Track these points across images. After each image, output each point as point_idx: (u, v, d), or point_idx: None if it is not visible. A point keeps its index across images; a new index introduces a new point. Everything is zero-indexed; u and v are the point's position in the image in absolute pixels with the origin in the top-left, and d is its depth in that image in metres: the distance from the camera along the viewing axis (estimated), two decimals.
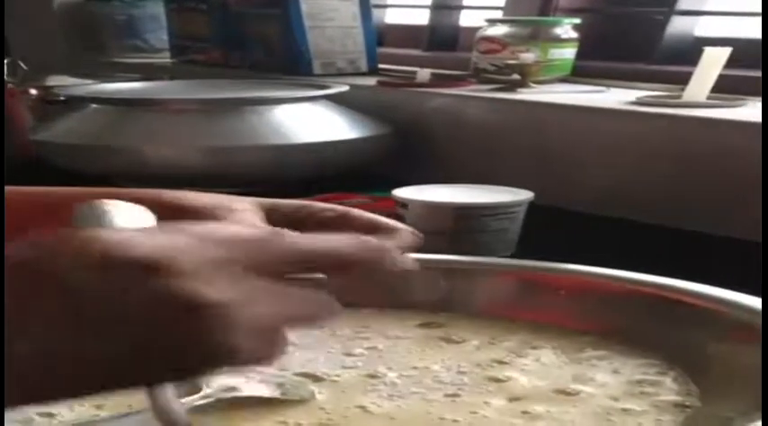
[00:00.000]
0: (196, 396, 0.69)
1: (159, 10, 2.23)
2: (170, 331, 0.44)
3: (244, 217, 0.73)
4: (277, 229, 0.53)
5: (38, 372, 0.43)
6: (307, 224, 0.73)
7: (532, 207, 1.16)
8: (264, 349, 0.47)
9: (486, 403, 0.70)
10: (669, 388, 0.73)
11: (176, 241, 0.46)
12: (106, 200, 0.58)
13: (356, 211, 0.75)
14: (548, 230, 1.20)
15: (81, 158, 1.51)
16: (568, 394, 0.72)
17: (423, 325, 0.85)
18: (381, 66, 1.89)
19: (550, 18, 1.72)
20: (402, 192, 1.17)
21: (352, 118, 1.55)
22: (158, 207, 0.62)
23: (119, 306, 0.43)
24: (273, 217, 0.74)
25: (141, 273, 0.44)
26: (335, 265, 0.51)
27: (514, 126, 1.46)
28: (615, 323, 0.83)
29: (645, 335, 0.80)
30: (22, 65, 1.91)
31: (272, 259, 0.48)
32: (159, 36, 2.26)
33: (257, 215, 0.74)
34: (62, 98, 1.63)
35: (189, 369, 0.46)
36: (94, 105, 1.58)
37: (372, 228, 0.72)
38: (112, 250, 0.44)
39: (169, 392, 0.49)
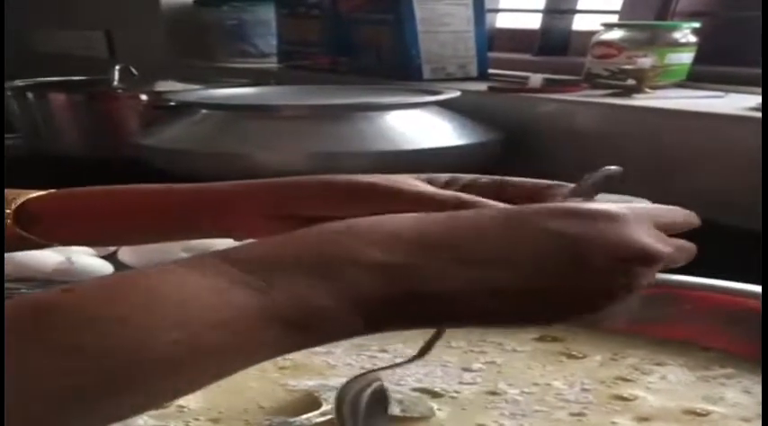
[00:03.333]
0: (316, 413, 0.68)
1: (269, 15, 2.23)
2: (623, 274, 0.55)
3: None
4: None
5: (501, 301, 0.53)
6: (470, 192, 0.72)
7: None
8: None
9: (613, 423, 0.68)
10: None
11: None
12: None
13: (515, 179, 0.75)
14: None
15: (189, 164, 1.51)
16: (698, 414, 0.70)
17: (539, 339, 0.83)
18: (491, 71, 1.86)
19: (670, 22, 1.68)
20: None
21: (463, 123, 1.53)
22: (374, 194, 0.69)
23: (593, 247, 0.54)
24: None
25: (608, 220, 0.55)
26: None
27: (630, 132, 1.43)
28: (739, 339, 0.80)
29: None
30: (133, 70, 1.92)
31: (666, 221, 0.61)
32: (268, 41, 2.26)
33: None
34: (171, 103, 1.62)
35: (599, 309, 0.56)
36: (204, 111, 1.58)
37: (536, 192, 0.73)
38: (581, 206, 0.56)
39: None
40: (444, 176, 0.74)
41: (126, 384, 0.44)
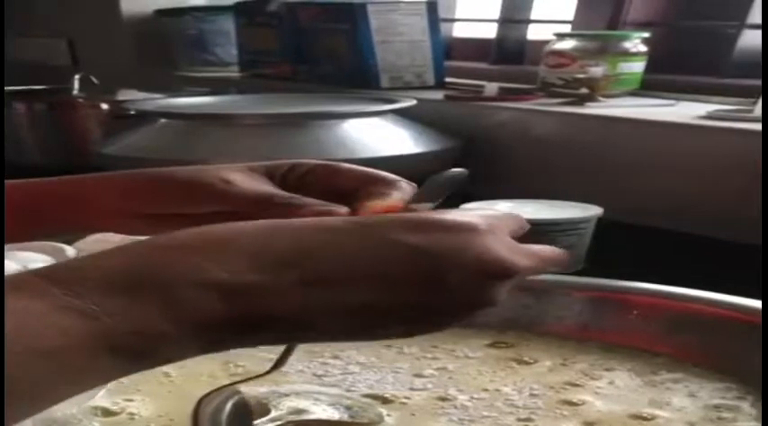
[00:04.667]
0: (265, 419, 0.68)
1: (229, 25, 2.24)
2: (479, 290, 0.53)
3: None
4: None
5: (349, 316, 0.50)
6: (305, 181, 0.71)
7: (600, 222, 1.15)
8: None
9: None
10: (747, 414, 0.71)
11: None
12: None
13: (349, 166, 0.71)
14: (616, 246, 1.18)
15: None
16: (644, 419, 0.71)
17: (492, 345, 0.84)
18: (448, 79, 1.88)
19: (619, 32, 1.70)
20: (470, 207, 1.16)
21: (420, 132, 1.54)
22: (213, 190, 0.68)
23: (449, 263, 0.51)
24: (276, 180, 0.71)
25: (467, 234, 0.52)
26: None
27: (583, 140, 1.45)
28: (688, 345, 0.82)
29: (721, 357, 0.79)
30: (93, 79, 1.92)
31: (518, 230, 0.58)
32: (228, 50, 2.27)
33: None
34: (132, 112, 1.63)
35: (452, 323, 0.54)
36: (163, 120, 1.58)
37: (369, 181, 0.69)
38: (438, 217, 0.53)
39: None
40: (287, 163, 0.72)
41: None
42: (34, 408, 0.45)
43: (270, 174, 0.70)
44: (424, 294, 0.51)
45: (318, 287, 0.49)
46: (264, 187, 0.69)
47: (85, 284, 0.46)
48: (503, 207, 1.18)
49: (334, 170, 0.70)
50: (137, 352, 0.46)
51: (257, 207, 0.67)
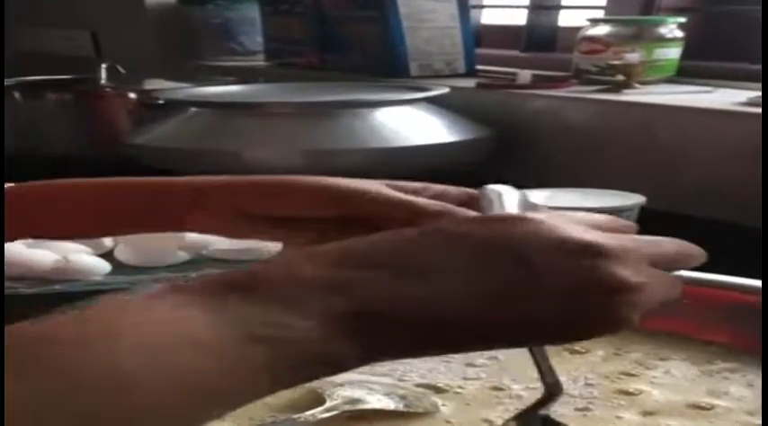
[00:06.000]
0: (320, 408, 0.67)
1: (254, 13, 2.22)
2: (595, 305, 0.51)
3: None
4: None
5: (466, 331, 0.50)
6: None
7: (642, 211, 1.13)
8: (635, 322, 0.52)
9: (618, 417, 0.68)
10: None
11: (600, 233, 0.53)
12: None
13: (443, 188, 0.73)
14: (658, 235, 1.16)
15: (178, 162, 1.50)
16: (703, 408, 0.70)
17: None
18: (478, 67, 1.86)
19: (655, 17, 1.69)
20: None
21: (452, 120, 1.53)
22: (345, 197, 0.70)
23: (568, 281, 0.50)
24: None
25: (589, 257, 0.51)
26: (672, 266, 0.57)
27: (620, 128, 1.43)
28: (740, 334, 0.80)
29: None
30: (120, 69, 1.91)
31: (657, 252, 0.55)
32: (254, 39, 2.25)
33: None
34: (160, 102, 1.62)
35: (585, 337, 0.53)
36: (193, 109, 1.57)
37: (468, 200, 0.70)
38: (566, 235, 0.51)
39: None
40: (414, 185, 0.73)
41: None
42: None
43: (399, 190, 0.71)
44: (518, 278, 0.50)
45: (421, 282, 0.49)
46: (395, 194, 0.70)
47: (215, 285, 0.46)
48: (540, 196, 1.16)
49: (470, 196, 0.71)
50: (277, 342, 0.45)
51: (389, 212, 0.68)
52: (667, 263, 0.56)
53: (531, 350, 0.60)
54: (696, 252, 0.59)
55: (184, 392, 0.42)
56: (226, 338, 0.44)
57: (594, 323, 0.52)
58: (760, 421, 0.67)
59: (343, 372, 0.49)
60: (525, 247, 0.50)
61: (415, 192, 0.72)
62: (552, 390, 0.61)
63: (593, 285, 0.51)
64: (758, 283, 0.83)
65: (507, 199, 0.67)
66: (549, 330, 0.51)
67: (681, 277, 0.57)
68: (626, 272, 0.51)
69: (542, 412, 0.61)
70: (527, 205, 0.67)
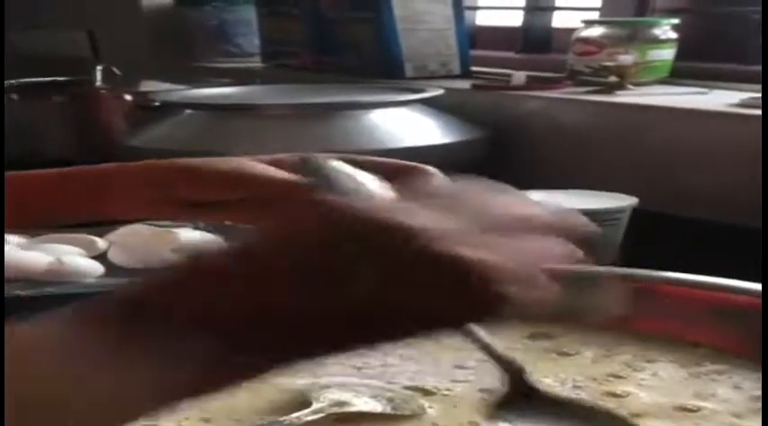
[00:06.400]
0: (307, 411, 0.68)
1: (251, 15, 2.23)
2: (446, 289, 0.48)
3: None
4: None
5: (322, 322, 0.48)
6: None
7: (634, 213, 1.13)
8: (529, 292, 0.49)
9: None
10: None
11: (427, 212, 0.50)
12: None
13: (375, 158, 0.75)
14: (649, 236, 1.17)
15: None
16: (690, 410, 0.70)
17: (532, 337, 0.83)
18: (473, 68, 1.86)
19: (649, 18, 1.69)
20: None
21: (447, 122, 1.53)
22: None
23: (394, 267, 0.48)
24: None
25: (414, 237, 0.48)
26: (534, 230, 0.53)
27: (614, 129, 1.43)
28: (729, 335, 0.81)
29: (760, 348, 0.77)
30: (116, 70, 1.91)
31: (499, 222, 0.51)
32: (250, 40, 2.25)
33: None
34: (156, 103, 1.62)
35: (462, 320, 0.52)
36: (188, 110, 1.58)
37: (396, 171, 0.72)
38: (385, 216, 0.49)
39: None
40: (294, 156, 0.75)
41: None
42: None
43: (276, 164, 0.75)
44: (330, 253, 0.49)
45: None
46: (292, 175, 0.73)
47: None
48: (533, 197, 1.16)
49: (360, 164, 0.71)
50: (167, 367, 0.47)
51: (286, 193, 0.72)
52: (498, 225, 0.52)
53: (474, 342, 0.61)
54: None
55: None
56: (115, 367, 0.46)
57: (454, 305, 0.49)
58: (745, 423, 0.68)
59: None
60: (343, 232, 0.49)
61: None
62: (515, 370, 0.61)
63: (430, 266, 0.48)
64: (748, 284, 0.83)
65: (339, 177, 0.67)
66: (407, 318, 0.49)
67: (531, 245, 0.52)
68: (463, 251, 0.48)
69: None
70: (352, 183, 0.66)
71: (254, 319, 0.48)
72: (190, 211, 0.77)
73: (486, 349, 0.61)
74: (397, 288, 0.48)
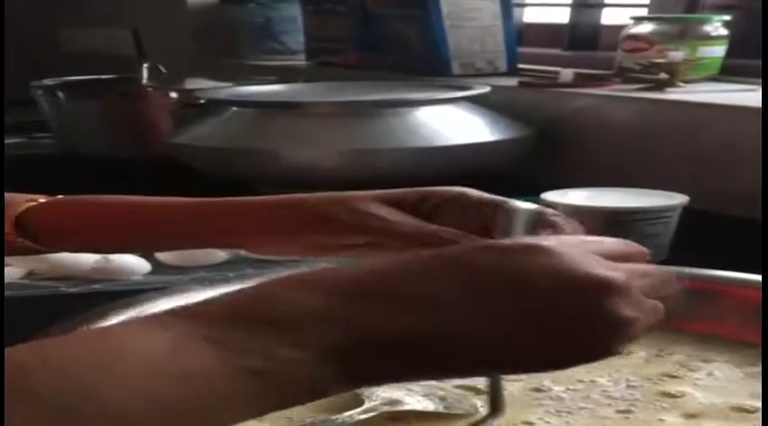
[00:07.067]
0: (359, 410, 0.67)
1: (296, 12, 2.23)
2: (597, 338, 0.53)
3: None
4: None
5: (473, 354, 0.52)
6: (438, 213, 0.73)
7: (685, 211, 1.12)
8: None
9: (660, 420, 0.67)
10: None
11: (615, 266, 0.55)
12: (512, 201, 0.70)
13: (480, 196, 0.73)
14: (700, 235, 1.15)
15: (220, 161, 1.50)
16: (747, 411, 0.69)
17: None
18: (520, 65, 1.85)
19: (700, 15, 1.67)
20: (551, 196, 1.14)
21: (494, 119, 1.52)
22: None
23: (575, 315, 0.52)
24: (406, 209, 0.74)
25: (599, 293, 0.53)
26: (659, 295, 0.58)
27: (663, 127, 1.42)
28: None
29: None
30: (161, 68, 1.92)
31: (651, 284, 0.57)
32: (295, 38, 2.25)
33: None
34: (201, 101, 1.62)
35: (578, 364, 0.55)
36: (234, 108, 1.57)
37: (495, 207, 0.71)
38: (578, 270, 0.53)
39: None
40: (417, 192, 0.74)
41: None
42: None
43: (399, 203, 0.74)
44: (517, 304, 0.52)
45: (414, 308, 0.51)
46: (406, 220, 0.73)
47: (212, 317, 0.48)
48: (580, 195, 1.15)
49: (466, 204, 0.73)
50: (269, 375, 0.47)
51: (398, 240, 0.72)
52: (656, 293, 0.57)
53: None
54: (672, 279, 0.61)
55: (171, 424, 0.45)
56: (221, 372, 0.46)
57: (592, 353, 0.54)
58: None
59: (327, 397, 0.51)
60: (536, 280, 0.52)
61: (420, 201, 0.74)
62: (497, 407, 0.66)
63: (600, 320, 0.53)
64: None
65: (518, 217, 0.69)
66: (548, 359, 0.53)
67: (660, 304, 0.58)
68: (628, 309, 0.53)
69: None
70: (535, 223, 0.68)
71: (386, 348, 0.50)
72: (316, 252, 0.76)
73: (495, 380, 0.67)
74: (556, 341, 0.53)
